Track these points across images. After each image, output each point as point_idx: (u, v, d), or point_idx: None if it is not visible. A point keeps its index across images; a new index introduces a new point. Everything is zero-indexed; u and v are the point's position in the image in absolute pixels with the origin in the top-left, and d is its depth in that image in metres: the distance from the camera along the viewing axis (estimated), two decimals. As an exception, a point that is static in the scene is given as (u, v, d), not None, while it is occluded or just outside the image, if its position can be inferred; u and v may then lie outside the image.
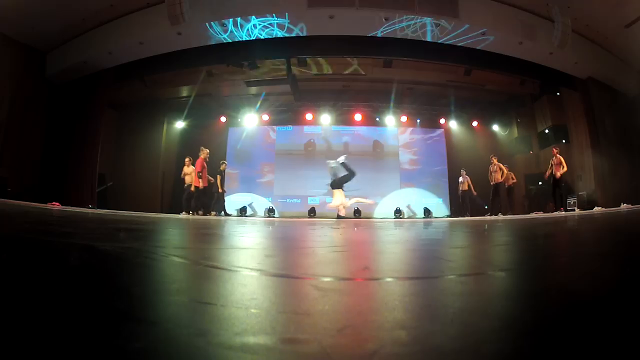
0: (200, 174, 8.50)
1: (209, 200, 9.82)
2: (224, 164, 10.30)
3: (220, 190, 10.07)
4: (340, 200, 8.44)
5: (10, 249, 1.41)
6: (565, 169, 8.64)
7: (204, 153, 8.68)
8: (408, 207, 12.51)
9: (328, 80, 11.84)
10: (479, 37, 8.41)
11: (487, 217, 8.65)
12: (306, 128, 13.31)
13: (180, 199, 9.10)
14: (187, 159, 9.29)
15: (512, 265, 1.40)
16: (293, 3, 7.89)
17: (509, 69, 9.56)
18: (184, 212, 8.44)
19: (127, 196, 10.38)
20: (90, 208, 7.95)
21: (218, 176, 9.95)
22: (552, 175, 8.69)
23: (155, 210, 10.07)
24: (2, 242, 1.63)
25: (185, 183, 9.05)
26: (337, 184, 8.58)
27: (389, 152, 13.30)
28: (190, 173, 8.95)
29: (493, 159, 10.04)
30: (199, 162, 8.59)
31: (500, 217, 8.65)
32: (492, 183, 9.89)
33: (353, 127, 13.28)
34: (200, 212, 8.89)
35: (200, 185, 8.51)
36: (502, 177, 9.76)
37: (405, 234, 3.23)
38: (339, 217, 8.46)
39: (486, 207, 10.38)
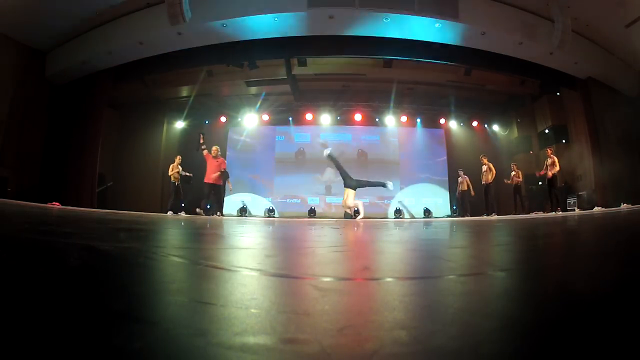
0: None
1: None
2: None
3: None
4: (352, 201, 8.26)
5: (10, 249, 1.41)
6: (558, 168, 8.62)
7: None
8: (407, 206, 12.51)
9: (328, 80, 11.83)
10: (478, 37, 8.41)
11: (485, 217, 8.64)
12: (297, 136, 13.32)
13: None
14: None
15: (512, 265, 1.40)
16: (293, 3, 7.89)
17: (509, 69, 9.55)
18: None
19: (127, 196, 10.38)
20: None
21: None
22: (547, 175, 8.69)
23: (155, 210, 10.07)
24: (2, 242, 1.62)
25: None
26: (353, 185, 8.31)
27: (389, 152, 13.29)
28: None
29: (483, 159, 9.99)
30: None
31: (494, 217, 8.64)
32: (483, 183, 9.87)
33: (341, 134, 13.28)
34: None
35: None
36: (491, 177, 9.74)
37: (405, 234, 3.23)
38: (346, 216, 8.57)
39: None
